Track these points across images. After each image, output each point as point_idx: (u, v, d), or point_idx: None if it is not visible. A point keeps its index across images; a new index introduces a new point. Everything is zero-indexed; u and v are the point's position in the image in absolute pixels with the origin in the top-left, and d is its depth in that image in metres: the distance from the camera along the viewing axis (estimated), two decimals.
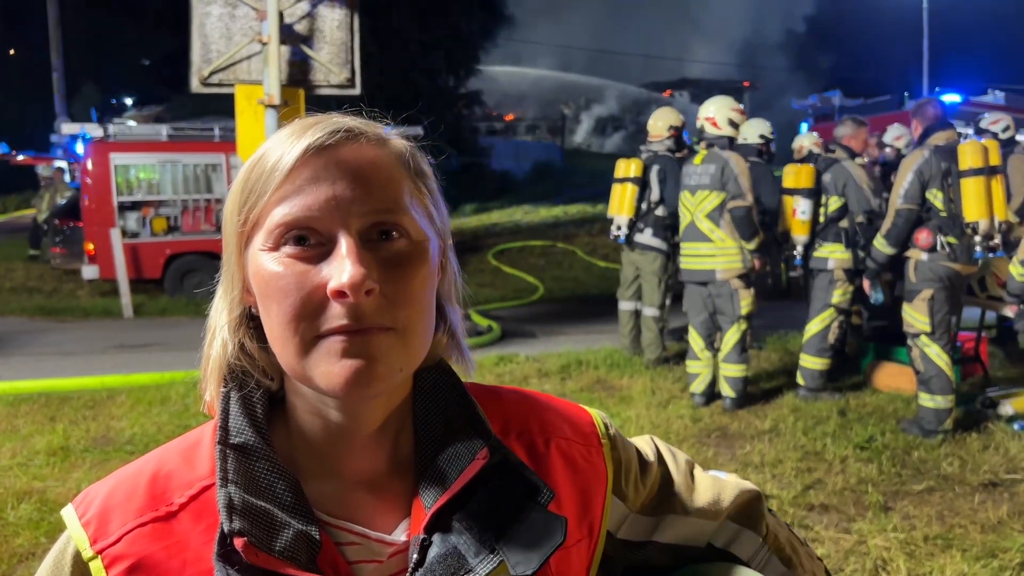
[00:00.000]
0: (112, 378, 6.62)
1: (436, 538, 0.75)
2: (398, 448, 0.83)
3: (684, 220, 6.00)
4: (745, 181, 5.66)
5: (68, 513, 0.78)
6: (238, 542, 0.69)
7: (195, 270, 11.25)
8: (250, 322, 0.80)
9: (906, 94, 14.39)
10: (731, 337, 5.83)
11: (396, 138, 0.81)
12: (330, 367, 0.71)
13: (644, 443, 1.02)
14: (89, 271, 10.87)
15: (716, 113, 5.93)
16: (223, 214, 0.81)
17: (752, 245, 5.73)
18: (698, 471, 1.04)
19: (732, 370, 5.83)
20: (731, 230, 5.74)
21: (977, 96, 12.72)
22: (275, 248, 0.73)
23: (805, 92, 19.47)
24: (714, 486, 1.02)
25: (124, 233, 10.66)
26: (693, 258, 5.93)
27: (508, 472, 0.79)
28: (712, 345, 5.99)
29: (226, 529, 0.70)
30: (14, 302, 11.21)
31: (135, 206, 11.17)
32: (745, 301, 5.77)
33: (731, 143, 5.93)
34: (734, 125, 5.97)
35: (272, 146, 0.77)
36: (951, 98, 12.52)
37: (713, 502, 1.00)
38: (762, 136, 7.08)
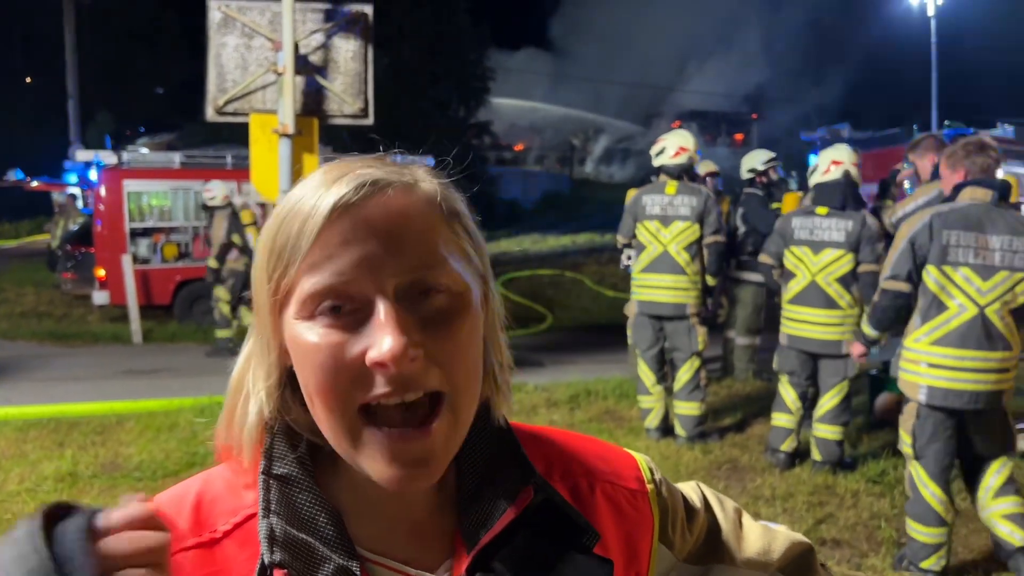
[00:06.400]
0: (121, 404, 6.62)
1: None
2: (441, 486, 0.79)
3: (653, 250, 5.77)
4: (721, 217, 5.77)
5: None
6: (278, 575, 0.69)
7: (205, 297, 11.25)
8: (292, 382, 0.76)
9: (915, 127, 14.42)
10: (684, 374, 5.75)
11: (425, 181, 0.76)
12: (381, 467, 0.69)
13: (690, 489, 1.00)
14: (100, 296, 10.90)
15: (693, 145, 5.90)
16: (252, 274, 0.77)
17: (715, 281, 5.81)
18: (747, 519, 1.02)
19: (685, 408, 5.74)
20: (701, 264, 5.73)
21: (986, 129, 12.72)
22: (310, 317, 0.70)
23: (814, 124, 19.55)
24: (764, 536, 1.00)
25: (135, 259, 10.72)
26: (660, 290, 5.75)
27: (552, 512, 0.77)
28: (663, 379, 5.94)
29: (266, 561, 0.70)
30: (24, 327, 11.26)
31: (146, 232, 11.25)
32: (702, 337, 5.73)
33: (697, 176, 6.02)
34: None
35: (294, 206, 0.72)
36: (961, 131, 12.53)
37: (763, 552, 0.98)
38: (768, 161, 7.37)
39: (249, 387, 0.78)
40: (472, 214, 0.80)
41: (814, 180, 5.29)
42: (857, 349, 4.24)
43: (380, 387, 0.68)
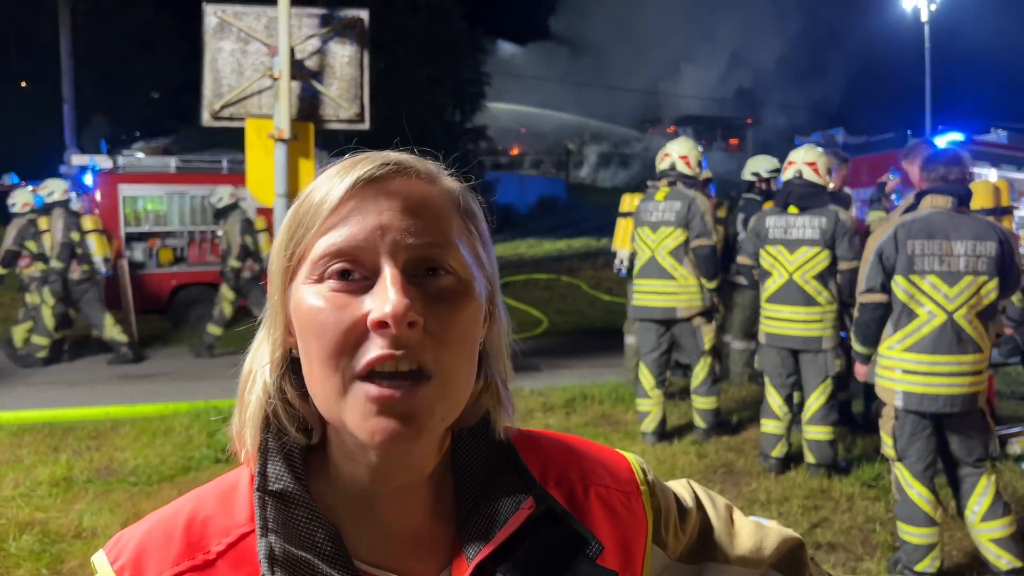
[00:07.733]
0: (116, 408, 6.60)
1: None
2: (439, 497, 0.80)
3: (643, 256, 5.96)
4: (710, 220, 5.77)
5: (99, 559, 0.75)
6: None
7: (200, 301, 11.25)
8: (291, 366, 0.77)
9: (908, 132, 14.42)
10: (700, 372, 5.91)
11: (447, 177, 0.79)
12: (366, 421, 0.69)
13: (681, 488, 1.00)
14: None
15: (690, 152, 5.98)
16: (270, 253, 0.78)
17: (713, 284, 5.81)
18: (738, 516, 1.02)
19: (703, 403, 5.94)
20: (693, 268, 5.77)
21: (980, 135, 12.74)
22: (319, 280, 0.71)
23: (808, 129, 19.60)
24: (756, 532, 1.00)
25: (130, 264, 10.70)
26: (652, 295, 5.88)
27: (554, 523, 0.77)
28: (663, 383, 6.00)
29: None
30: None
31: (142, 237, 11.23)
32: (708, 336, 5.85)
33: (695, 183, 5.99)
34: (700, 166, 6.04)
35: (321, 182, 0.75)
36: (954, 136, 12.52)
37: (755, 549, 0.98)
38: (773, 171, 7.31)
39: (256, 370, 0.79)
40: (489, 224, 0.82)
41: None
42: (860, 370, 4.19)
43: (377, 350, 0.68)
